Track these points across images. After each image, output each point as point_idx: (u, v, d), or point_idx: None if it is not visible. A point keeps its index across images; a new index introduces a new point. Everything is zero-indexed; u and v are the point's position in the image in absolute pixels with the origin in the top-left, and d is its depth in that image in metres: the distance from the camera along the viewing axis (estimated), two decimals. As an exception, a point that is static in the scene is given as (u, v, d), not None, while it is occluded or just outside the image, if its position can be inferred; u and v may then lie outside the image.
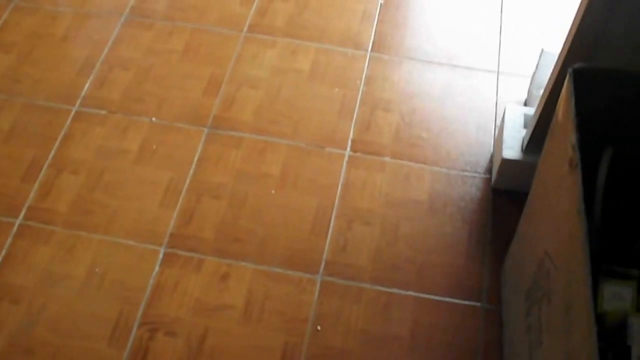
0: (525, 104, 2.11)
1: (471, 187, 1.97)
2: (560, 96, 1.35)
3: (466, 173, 2.00)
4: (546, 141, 1.46)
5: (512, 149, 1.92)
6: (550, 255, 1.32)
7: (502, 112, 2.02)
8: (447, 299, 1.78)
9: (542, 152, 1.49)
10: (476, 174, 2.00)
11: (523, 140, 1.91)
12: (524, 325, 1.49)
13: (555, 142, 1.38)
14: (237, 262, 1.82)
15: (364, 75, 2.19)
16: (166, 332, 1.71)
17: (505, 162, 1.92)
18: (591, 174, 1.34)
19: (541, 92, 1.81)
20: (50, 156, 1.99)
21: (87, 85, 2.15)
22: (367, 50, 2.26)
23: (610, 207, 1.36)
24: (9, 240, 1.83)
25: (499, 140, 1.97)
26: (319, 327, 1.71)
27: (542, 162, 1.49)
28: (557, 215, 1.31)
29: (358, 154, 2.02)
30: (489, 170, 2.01)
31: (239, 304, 1.75)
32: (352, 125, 2.07)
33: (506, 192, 1.94)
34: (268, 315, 1.73)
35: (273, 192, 1.94)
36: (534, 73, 2.07)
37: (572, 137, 1.22)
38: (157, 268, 1.80)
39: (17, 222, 1.86)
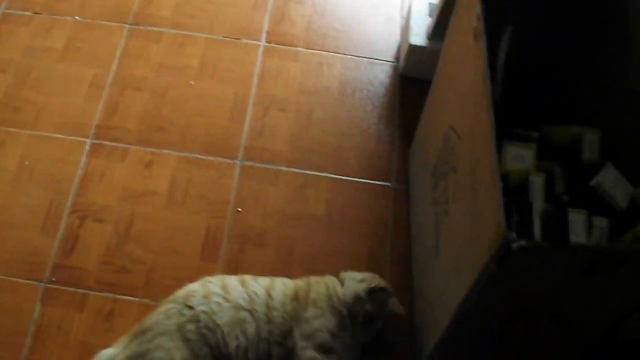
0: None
1: (380, 74, 2.10)
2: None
3: (375, 61, 2.12)
4: (451, 19, 1.57)
5: (418, 36, 2.04)
6: (454, 129, 1.46)
7: (409, 2, 2.12)
8: (359, 180, 1.93)
9: (447, 31, 1.60)
10: (385, 62, 2.13)
11: (428, 27, 2.03)
12: (430, 199, 1.64)
13: (459, 18, 1.49)
14: (160, 150, 1.92)
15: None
16: (95, 219, 1.82)
17: (412, 49, 2.04)
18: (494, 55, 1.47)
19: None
20: (-24, 57, 2.05)
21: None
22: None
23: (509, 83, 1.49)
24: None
25: (405, 29, 2.10)
26: (239, 209, 1.84)
27: (447, 40, 1.61)
28: (462, 89, 1.43)
29: (272, 45, 2.12)
30: (397, 58, 2.13)
31: (163, 190, 1.87)
32: (266, 17, 2.16)
33: (413, 79, 2.07)
34: (191, 199, 1.85)
35: (192, 82, 2.03)
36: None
37: (477, 8, 1.32)
38: (84, 159, 1.90)
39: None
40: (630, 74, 1.44)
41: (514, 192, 1.30)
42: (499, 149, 1.32)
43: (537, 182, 1.32)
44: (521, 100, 1.52)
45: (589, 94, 1.58)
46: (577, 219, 1.24)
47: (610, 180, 1.33)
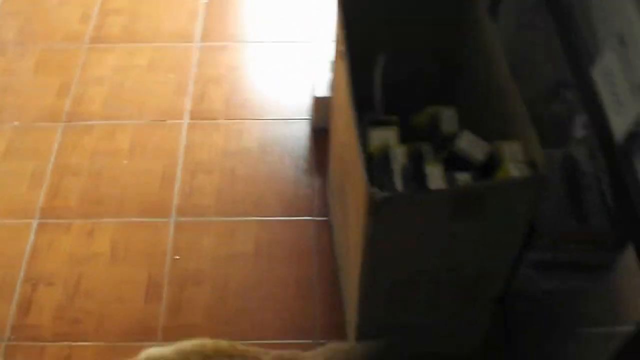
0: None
1: (295, 131, 2.34)
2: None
3: (290, 120, 2.37)
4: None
5: (321, 90, 2.29)
6: (344, 157, 1.67)
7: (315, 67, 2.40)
8: (283, 218, 2.12)
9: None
10: (299, 120, 2.37)
11: (330, 81, 2.28)
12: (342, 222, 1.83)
13: (336, 55, 1.73)
14: (100, 220, 2.12)
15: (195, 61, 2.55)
16: (46, 284, 2.00)
17: (317, 101, 2.29)
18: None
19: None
20: None
21: None
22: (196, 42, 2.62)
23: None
24: None
25: (312, 87, 2.35)
26: (176, 257, 2.02)
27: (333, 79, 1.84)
28: (340, 113, 1.65)
29: (195, 121, 2.37)
30: (309, 115, 2.38)
31: (106, 251, 2.05)
32: (188, 99, 2.41)
33: (323, 130, 2.30)
34: (132, 255, 2.04)
35: (125, 162, 2.25)
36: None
37: (341, 34, 1.57)
38: (32, 236, 2.09)
39: None
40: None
41: (379, 164, 1.47)
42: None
43: (398, 152, 1.47)
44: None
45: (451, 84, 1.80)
46: (433, 171, 1.42)
47: (468, 142, 1.52)
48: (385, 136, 1.51)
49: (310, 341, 1.85)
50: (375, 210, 1.32)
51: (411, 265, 1.50)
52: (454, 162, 1.47)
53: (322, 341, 1.74)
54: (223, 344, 1.59)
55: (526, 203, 1.38)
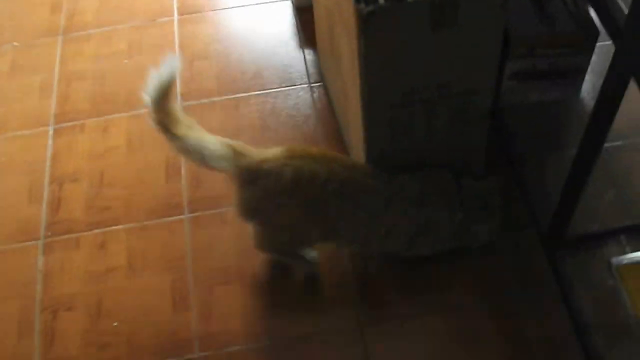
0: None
1: (278, 13, 2.46)
2: None
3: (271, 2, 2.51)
4: None
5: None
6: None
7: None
8: (282, 89, 2.25)
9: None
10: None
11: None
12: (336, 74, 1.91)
13: None
14: (111, 116, 2.21)
15: None
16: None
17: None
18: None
19: None
20: None
21: None
22: None
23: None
24: None
25: None
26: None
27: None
28: None
29: (184, 16, 2.47)
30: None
31: (122, 144, 2.14)
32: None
33: (306, 8, 2.35)
34: (148, 143, 2.14)
35: (125, 61, 2.36)
36: None
37: None
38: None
39: None
40: None
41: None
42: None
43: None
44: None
45: None
46: None
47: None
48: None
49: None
50: (365, 25, 1.43)
51: (404, 85, 1.60)
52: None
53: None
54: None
55: (497, 6, 1.48)
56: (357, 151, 1.86)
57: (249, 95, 2.24)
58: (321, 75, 2.26)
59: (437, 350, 1.75)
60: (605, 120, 1.35)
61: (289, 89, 2.25)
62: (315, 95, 2.23)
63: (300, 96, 2.23)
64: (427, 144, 1.77)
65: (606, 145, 1.42)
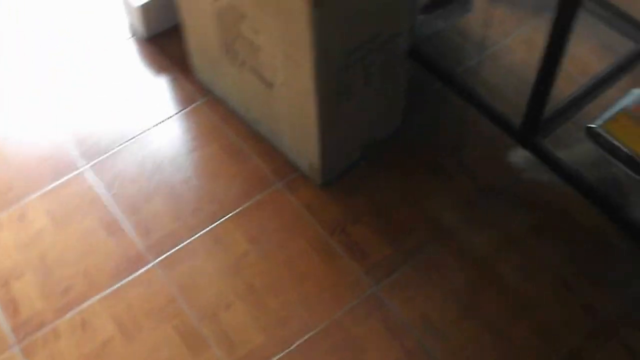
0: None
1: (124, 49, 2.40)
2: None
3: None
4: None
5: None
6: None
7: None
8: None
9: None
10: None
11: None
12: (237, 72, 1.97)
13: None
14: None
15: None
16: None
17: (142, 9, 2.36)
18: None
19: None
20: None
21: None
22: None
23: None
24: None
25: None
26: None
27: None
28: None
29: None
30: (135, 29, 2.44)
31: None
32: None
33: (158, 34, 2.42)
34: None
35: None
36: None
37: None
38: None
39: None
40: None
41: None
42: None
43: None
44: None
45: None
46: None
47: None
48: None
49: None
50: None
51: (348, 44, 1.70)
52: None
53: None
54: None
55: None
56: (298, 134, 1.93)
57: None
58: (206, 90, 2.27)
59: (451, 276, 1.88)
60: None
61: (177, 115, 2.25)
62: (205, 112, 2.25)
63: (192, 117, 2.24)
64: (364, 99, 1.88)
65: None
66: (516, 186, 2.05)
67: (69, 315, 1.89)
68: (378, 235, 1.95)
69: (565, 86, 1.88)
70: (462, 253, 1.92)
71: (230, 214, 2.02)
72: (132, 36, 2.48)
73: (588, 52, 2.28)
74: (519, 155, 1.96)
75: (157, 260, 1.96)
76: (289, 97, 1.83)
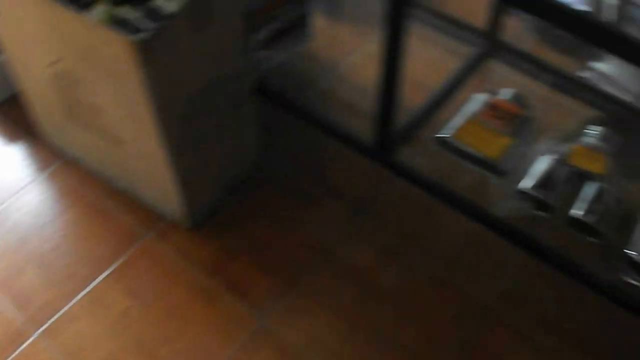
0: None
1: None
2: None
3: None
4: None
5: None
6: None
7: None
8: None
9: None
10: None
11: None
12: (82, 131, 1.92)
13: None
14: None
15: None
16: None
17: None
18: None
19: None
20: None
21: None
22: None
23: None
24: None
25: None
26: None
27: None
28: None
29: None
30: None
31: None
32: None
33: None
34: None
35: None
36: None
37: None
38: None
39: None
40: None
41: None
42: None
43: (124, 12, 1.58)
44: None
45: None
46: (165, 4, 1.60)
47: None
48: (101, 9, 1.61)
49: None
50: (141, 52, 1.50)
51: (186, 91, 1.71)
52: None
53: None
54: None
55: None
56: (157, 185, 1.93)
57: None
58: (59, 154, 2.23)
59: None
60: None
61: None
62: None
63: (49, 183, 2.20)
64: (216, 141, 1.90)
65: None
66: (383, 199, 2.09)
67: None
68: (257, 268, 1.95)
69: (417, 97, 1.96)
70: (342, 271, 1.96)
71: (106, 273, 1.97)
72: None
73: (434, 61, 2.36)
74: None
75: (39, 332, 1.90)
76: (141, 152, 1.83)
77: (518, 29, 2.41)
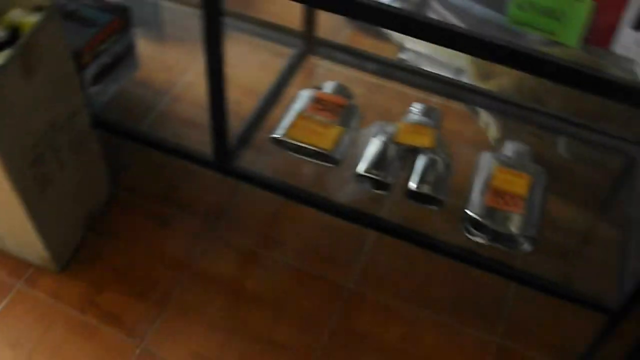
0: None
1: None
2: None
3: None
4: None
5: None
6: None
7: None
8: None
9: None
10: None
11: None
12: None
13: None
14: None
15: None
16: None
17: None
18: None
19: None
20: None
21: None
22: None
23: None
24: None
25: None
26: None
27: None
28: None
29: None
30: None
31: None
32: None
33: None
34: None
35: None
36: None
37: None
38: None
39: None
40: None
41: None
42: None
43: None
44: None
45: None
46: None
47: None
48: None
49: None
50: None
51: (24, 139, 1.73)
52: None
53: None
54: None
55: (59, 32, 1.71)
56: (18, 234, 1.95)
57: None
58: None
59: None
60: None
61: None
62: None
63: None
64: (66, 181, 1.94)
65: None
66: (234, 207, 2.18)
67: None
68: (127, 295, 2.00)
69: (250, 102, 2.05)
70: (208, 282, 2.04)
71: (-18, 330, 1.98)
72: None
73: (261, 66, 2.48)
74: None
75: None
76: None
77: (333, 23, 2.54)
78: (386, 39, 2.58)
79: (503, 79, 2.13)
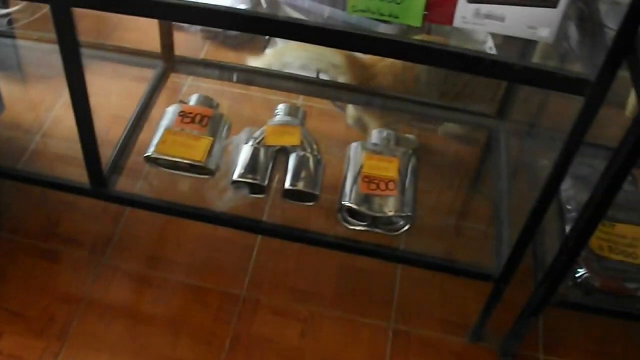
0: None
1: None
2: None
3: None
4: None
5: None
6: None
7: None
8: None
9: None
10: None
11: None
12: None
13: None
14: None
15: None
16: None
17: None
18: None
19: None
20: None
21: None
22: None
23: None
24: None
25: None
26: None
27: None
28: None
29: None
30: None
31: None
32: None
33: None
34: None
35: None
36: None
37: None
38: None
39: None
40: None
41: None
42: None
43: None
44: None
45: None
46: None
47: None
48: None
49: None
50: None
51: None
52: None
53: None
54: None
55: None
56: None
57: None
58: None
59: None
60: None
61: None
62: None
63: None
64: None
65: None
66: (120, 233, 2.23)
67: None
68: (25, 336, 2.00)
69: (120, 128, 2.09)
70: (105, 310, 2.06)
71: None
72: None
73: (125, 91, 2.52)
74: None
75: None
76: None
77: (192, 42, 2.59)
78: (244, 47, 2.64)
79: (381, 80, 2.21)
